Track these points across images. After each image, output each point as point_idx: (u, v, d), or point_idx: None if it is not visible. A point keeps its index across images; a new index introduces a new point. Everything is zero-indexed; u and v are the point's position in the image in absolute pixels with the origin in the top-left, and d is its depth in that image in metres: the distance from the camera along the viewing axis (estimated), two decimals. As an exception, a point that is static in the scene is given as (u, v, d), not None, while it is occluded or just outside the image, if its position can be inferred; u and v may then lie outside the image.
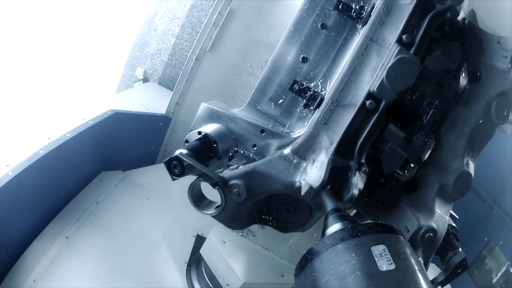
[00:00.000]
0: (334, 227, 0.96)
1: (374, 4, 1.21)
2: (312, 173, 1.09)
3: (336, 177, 1.11)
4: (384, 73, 1.09)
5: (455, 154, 1.37)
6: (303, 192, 1.11)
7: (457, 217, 1.70)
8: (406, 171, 1.40)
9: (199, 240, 2.33)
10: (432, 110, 1.41)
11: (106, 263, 2.03)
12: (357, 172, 1.14)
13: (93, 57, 4.71)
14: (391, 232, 0.91)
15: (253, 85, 1.38)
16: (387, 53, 1.12)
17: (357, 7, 1.25)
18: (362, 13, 1.23)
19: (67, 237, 2.05)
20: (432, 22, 1.18)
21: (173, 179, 1.26)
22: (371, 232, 0.88)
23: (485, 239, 3.27)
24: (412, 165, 1.41)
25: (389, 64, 1.10)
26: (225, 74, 2.79)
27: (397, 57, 1.09)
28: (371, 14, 1.18)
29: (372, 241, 0.86)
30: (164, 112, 2.91)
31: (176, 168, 1.22)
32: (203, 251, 1.93)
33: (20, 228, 1.90)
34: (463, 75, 1.42)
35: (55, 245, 1.98)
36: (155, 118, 2.86)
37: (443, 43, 1.30)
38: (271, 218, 1.43)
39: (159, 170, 2.79)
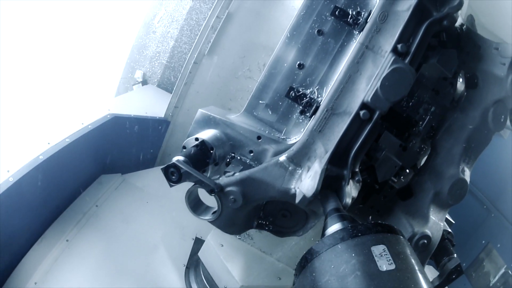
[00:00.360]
0: (334, 227, 0.96)
1: (370, 10, 1.20)
2: (306, 182, 1.09)
3: (329, 186, 1.12)
4: (379, 83, 1.09)
5: (451, 161, 1.37)
6: (297, 200, 1.12)
7: (453, 222, 1.70)
8: (401, 178, 1.40)
9: (198, 243, 2.34)
10: (428, 117, 1.40)
11: (106, 265, 2.05)
12: (350, 181, 1.14)
13: (92, 60, 4.73)
14: (391, 232, 0.91)
15: (251, 88, 1.38)
16: (382, 62, 1.11)
17: (354, 13, 1.24)
18: (359, 19, 1.23)
19: (67, 240, 2.07)
20: (428, 30, 1.17)
21: (171, 186, 1.28)
22: (371, 232, 0.88)
23: (483, 242, 3.27)
24: (408, 171, 1.41)
25: (384, 74, 1.09)
26: (223, 77, 2.80)
27: (391, 67, 1.09)
28: (368, 20, 1.18)
29: (372, 241, 0.86)
30: (163, 116, 2.92)
31: (174, 175, 1.24)
32: (201, 254, 1.94)
33: (21, 231, 1.92)
34: (460, 81, 1.41)
35: (56, 248, 2.00)
36: (154, 121, 2.87)
37: (439, 50, 1.30)
38: (267, 223, 1.44)
39: (158, 173, 2.78)
